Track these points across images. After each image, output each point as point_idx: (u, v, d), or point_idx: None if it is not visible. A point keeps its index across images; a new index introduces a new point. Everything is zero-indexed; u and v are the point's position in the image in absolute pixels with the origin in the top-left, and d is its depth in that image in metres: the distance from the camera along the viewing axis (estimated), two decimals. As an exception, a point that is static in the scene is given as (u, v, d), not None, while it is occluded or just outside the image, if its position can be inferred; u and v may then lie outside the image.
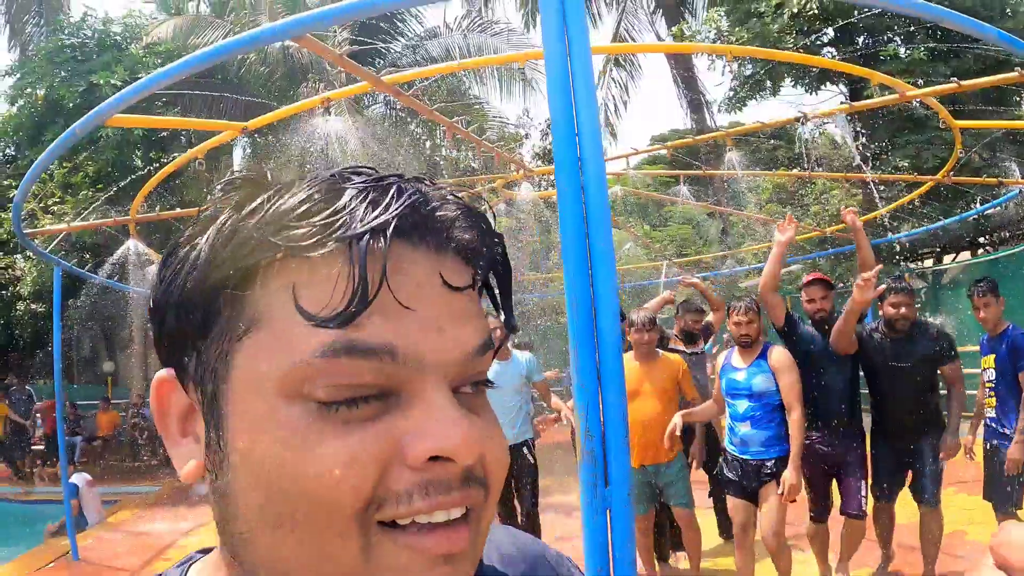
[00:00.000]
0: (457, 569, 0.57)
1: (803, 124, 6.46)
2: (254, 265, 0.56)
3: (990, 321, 5.82)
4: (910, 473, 5.84)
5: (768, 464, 5.29)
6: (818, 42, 16.12)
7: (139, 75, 17.78)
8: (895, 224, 15.17)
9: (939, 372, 5.76)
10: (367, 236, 0.54)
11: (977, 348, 6.06)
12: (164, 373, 0.62)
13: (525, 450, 6.72)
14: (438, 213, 0.59)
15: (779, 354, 5.38)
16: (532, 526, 6.62)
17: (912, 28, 14.98)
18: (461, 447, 0.55)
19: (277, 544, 0.55)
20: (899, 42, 15.76)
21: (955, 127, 7.43)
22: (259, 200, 0.57)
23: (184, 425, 0.62)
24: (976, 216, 15.84)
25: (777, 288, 5.81)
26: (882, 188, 15.09)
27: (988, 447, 5.92)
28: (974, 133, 12.98)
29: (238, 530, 0.58)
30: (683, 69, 22.18)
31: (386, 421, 0.55)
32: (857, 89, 15.20)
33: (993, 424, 5.88)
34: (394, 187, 0.57)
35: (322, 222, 0.54)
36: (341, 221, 0.54)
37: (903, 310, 5.59)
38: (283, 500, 0.54)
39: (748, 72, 17.13)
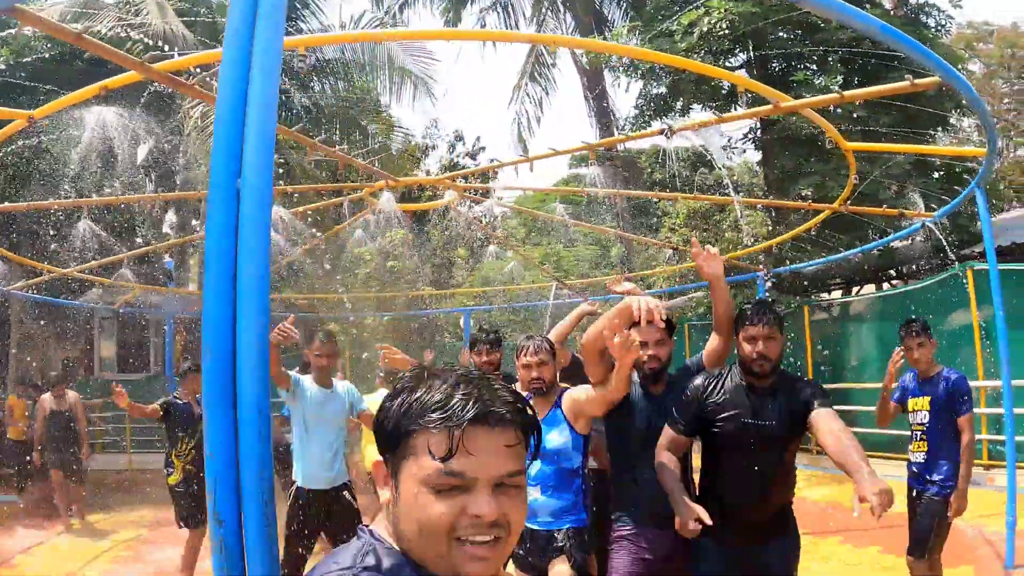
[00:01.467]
0: (488, 565, 1.37)
1: (668, 137, 5.77)
2: (417, 428, 1.38)
3: (923, 362, 5.52)
4: None
5: (558, 536, 4.31)
6: (726, 64, 15.74)
7: (25, 57, 16.76)
8: (798, 254, 14.81)
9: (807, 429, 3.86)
10: (454, 426, 1.35)
11: (878, 385, 5.60)
12: (380, 458, 1.51)
13: (346, 494, 5.99)
14: (492, 408, 1.37)
15: (573, 394, 4.35)
16: None
17: (828, 57, 14.68)
18: (487, 514, 1.34)
19: (415, 538, 1.39)
20: (814, 69, 15.46)
21: (847, 149, 6.86)
22: (419, 393, 1.41)
23: (385, 480, 1.48)
24: (881, 249, 15.57)
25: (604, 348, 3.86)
26: (792, 217, 14.74)
27: (913, 494, 5.54)
28: (882, 165, 12.66)
29: (400, 529, 1.42)
30: (594, 87, 21.72)
31: (461, 498, 1.35)
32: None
33: (919, 470, 5.51)
34: (471, 394, 1.38)
35: (440, 415, 1.36)
36: (447, 415, 1.36)
37: (761, 345, 3.84)
38: (418, 524, 1.37)
39: (655, 91, 16.70)
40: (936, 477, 5.36)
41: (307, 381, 5.99)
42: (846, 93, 4.99)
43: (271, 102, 2.09)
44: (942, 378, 5.47)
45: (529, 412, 1.44)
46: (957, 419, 5.38)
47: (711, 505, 3.73)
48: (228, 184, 2.03)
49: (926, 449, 5.48)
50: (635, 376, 4.23)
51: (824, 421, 3.68)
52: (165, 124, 13.53)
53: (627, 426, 4.24)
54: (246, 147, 2.05)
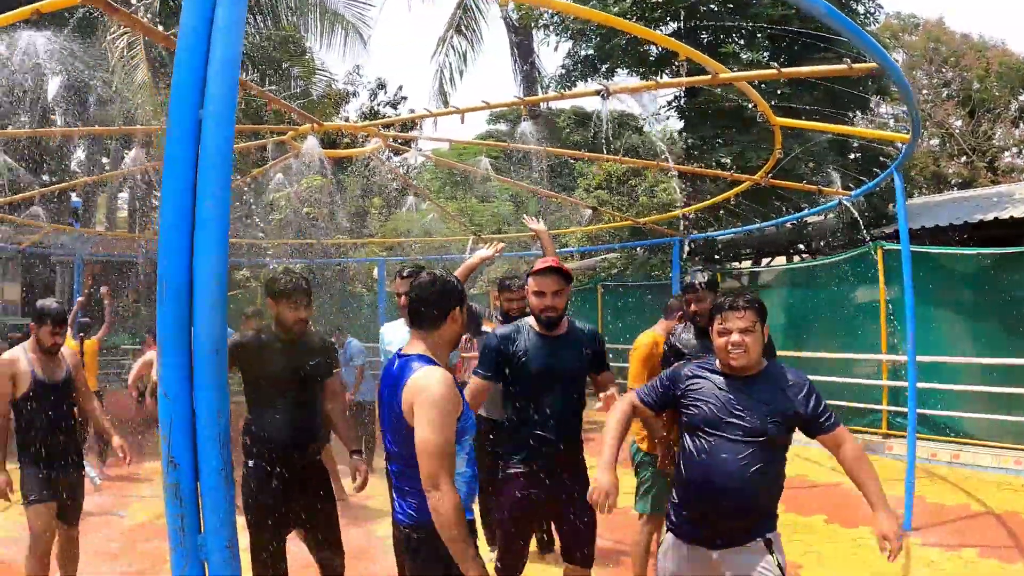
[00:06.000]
0: None
1: (605, 98, 5.78)
2: None
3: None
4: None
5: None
6: (657, 30, 15.76)
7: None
8: (716, 222, 15.09)
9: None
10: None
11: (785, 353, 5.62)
12: None
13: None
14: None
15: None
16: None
17: (756, 33, 14.82)
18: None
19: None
20: (741, 43, 15.59)
21: (776, 124, 6.99)
22: None
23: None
24: (794, 223, 15.94)
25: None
26: (706, 185, 14.97)
27: None
28: (803, 142, 12.94)
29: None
30: (523, 43, 21.59)
31: None
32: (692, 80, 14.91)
33: None
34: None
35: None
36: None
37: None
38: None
39: (583, 53, 16.67)
40: None
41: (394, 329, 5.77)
42: (784, 71, 5.07)
43: (238, 29, 2.03)
44: None
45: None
46: None
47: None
48: (190, 116, 1.97)
49: None
50: (530, 321, 4.34)
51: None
52: (86, 56, 12.92)
53: (524, 370, 4.23)
54: (209, 75, 1.98)
